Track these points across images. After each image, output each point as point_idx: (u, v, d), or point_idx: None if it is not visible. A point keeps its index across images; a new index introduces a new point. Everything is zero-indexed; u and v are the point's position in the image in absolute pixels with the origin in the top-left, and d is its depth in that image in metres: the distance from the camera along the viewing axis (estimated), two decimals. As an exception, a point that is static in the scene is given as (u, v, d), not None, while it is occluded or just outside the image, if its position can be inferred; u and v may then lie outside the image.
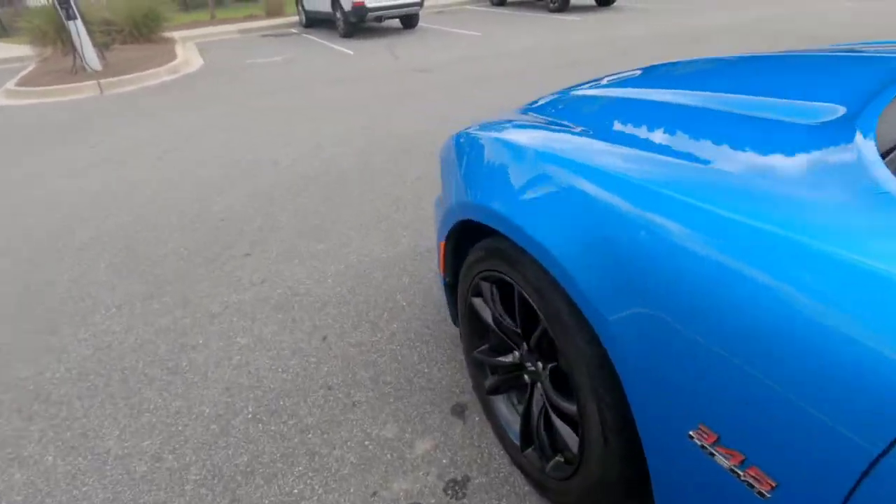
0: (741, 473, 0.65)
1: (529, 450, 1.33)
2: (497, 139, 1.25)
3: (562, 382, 1.19)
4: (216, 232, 2.87)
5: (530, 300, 1.09)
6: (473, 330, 1.52)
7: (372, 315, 2.06)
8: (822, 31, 6.79)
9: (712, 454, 0.69)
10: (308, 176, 3.55)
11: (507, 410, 1.45)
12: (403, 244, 2.59)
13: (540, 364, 1.22)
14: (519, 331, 1.27)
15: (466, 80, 5.79)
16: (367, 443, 1.50)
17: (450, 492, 1.34)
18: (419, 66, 6.75)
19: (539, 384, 1.25)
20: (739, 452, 0.65)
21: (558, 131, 1.19)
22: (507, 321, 1.30)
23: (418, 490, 1.35)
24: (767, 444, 0.61)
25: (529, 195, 1.03)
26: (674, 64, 1.72)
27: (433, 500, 1.32)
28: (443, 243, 1.47)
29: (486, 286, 1.33)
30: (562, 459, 1.22)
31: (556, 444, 1.27)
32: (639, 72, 1.70)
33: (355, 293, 2.22)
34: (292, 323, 2.06)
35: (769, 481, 0.62)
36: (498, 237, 1.19)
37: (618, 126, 1.19)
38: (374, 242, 2.63)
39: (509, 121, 1.39)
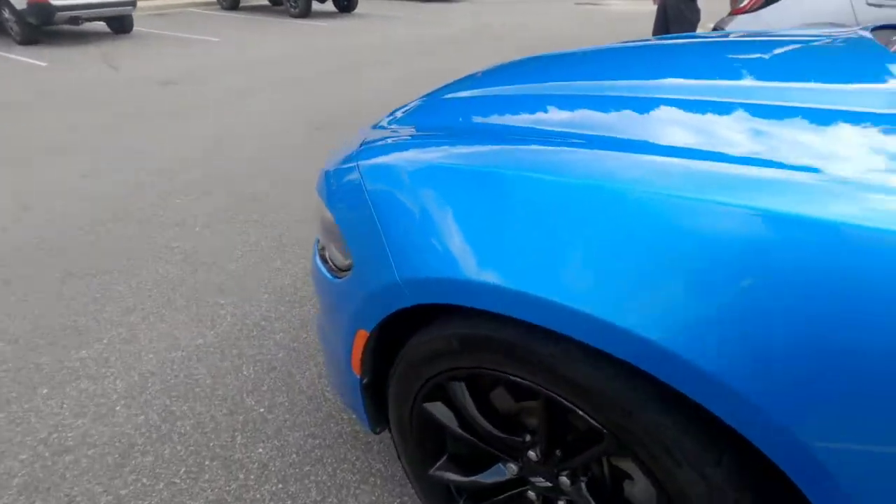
0: None
1: None
2: (468, 169, 0.79)
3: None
4: None
5: (580, 410, 0.72)
6: (425, 442, 1.06)
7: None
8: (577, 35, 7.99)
9: None
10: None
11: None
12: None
13: (565, 479, 0.87)
14: (526, 439, 0.89)
15: (231, 92, 4.88)
16: None
17: None
18: (159, 78, 5.43)
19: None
20: None
21: (538, 142, 0.82)
22: (495, 431, 0.91)
23: None
24: None
25: (567, 255, 0.65)
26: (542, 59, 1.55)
27: None
28: (362, 335, 0.96)
29: (457, 387, 0.90)
30: None
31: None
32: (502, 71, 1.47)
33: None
34: None
35: None
36: (486, 321, 0.78)
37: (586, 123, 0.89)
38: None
39: (419, 139, 0.96)
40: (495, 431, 0.91)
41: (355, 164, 0.92)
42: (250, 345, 1.76)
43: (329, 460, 1.36)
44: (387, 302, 0.84)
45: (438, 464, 1.07)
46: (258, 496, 1.27)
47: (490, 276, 0.70)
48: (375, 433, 1.18)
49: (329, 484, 1.31)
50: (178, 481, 1.31)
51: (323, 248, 1.12)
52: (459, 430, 0.96)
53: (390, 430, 1.11)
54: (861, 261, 0.50)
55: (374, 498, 1.27)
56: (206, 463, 1.36)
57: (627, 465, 0.89)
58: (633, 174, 0.66)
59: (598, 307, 0.61)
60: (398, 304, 0.83)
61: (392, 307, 0.84)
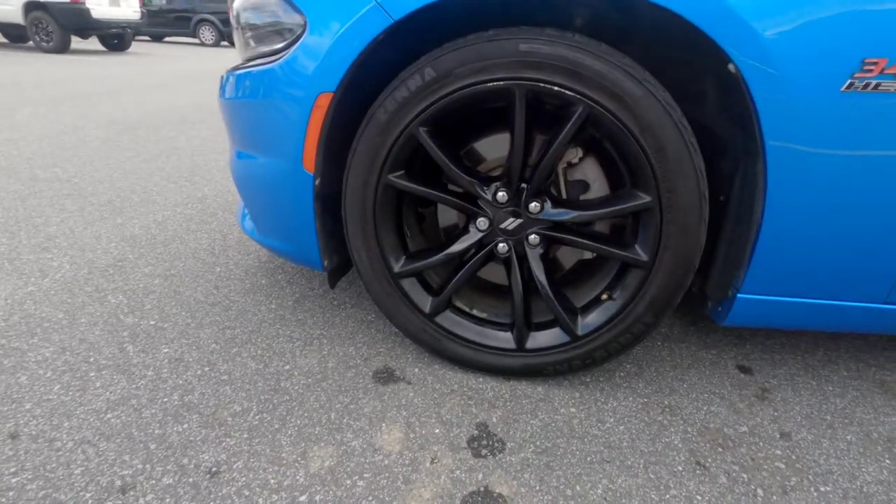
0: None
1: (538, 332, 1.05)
2: None
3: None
4: None
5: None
6: (390, 232, 1.05)
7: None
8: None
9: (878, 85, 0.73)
10: None
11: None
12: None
13: (544, 204, 0.97)
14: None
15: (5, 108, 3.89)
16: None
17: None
18: None
19: (528, 241, 0.99)
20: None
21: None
22: (466, 177, 0.96)
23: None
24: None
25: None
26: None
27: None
28: (322, 103, 0.92)
29: (425, 135, 0.93)
30: (606, 297, 1.02)
31: (569, 303, 1.05)
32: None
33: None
34: None
35: None
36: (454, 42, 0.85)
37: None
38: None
39: None
40: (466, 177, 0.97)
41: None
42: (109, 280, 1.44)
43: (259, 340, 1.20)
44: (362, 33, 0.86)
45: (405, 258, 1.06)
46: (181, 382, 1.05)
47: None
48: (323, 269, 1.11)
49: (269, 353, 1.15)
50: (52, 397, 0.99)
51: (247, 60, 1.05)
52: (426, 190, 0.99)
53: (336, 278, 1.05)
54: None
55: (324, 353, 1.16)
56: (92, 374, 1.06)
57: (584, 173, 1.04)
58: None
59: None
60: (374, 32, 0.85)
61: (367, 37, 0.86)
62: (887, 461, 0.93)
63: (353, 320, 1.30)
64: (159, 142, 3.11)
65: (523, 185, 0.97)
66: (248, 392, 1.03)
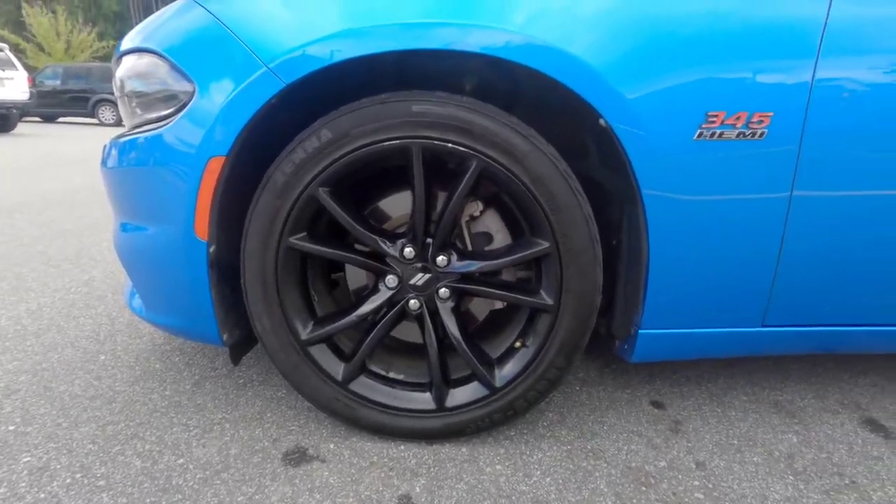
0: (748, 129, 0.84)
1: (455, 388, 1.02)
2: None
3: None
4: None
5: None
6: (294, 297, 1.00)
7: None
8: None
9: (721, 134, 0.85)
10: None
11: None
12: None
13: (450, 257, 0.97)
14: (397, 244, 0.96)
15: None
16: None
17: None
18: None
19: (438, 296, 0.99)
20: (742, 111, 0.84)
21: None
22: (372, 234, 0.96)
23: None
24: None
25: None
26: None
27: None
28: (214, 167, 0.88)
29: (327, 196, 0.91)
30: (519, 344, 1.02)
31: (485, 356, 1.04)
32: None
33: None
34: None
35: (766, 114, 0.84)
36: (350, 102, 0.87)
37: None
38: None
39: None
40: (371, 235, 0.97)
41: (191, 1, 0.93)
42: (-39, 382, 1.22)
43: (147, 433, 1.06)
44: (254, 97, 0.85)
45: (313, 324, 1.01)
46: (43, 496, 0.88)
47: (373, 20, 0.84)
48: (223, 344, 1.02)
49: (160, 447, 1.01)
50: None
51: (133, 128, 1.00)
52: (330, 251, 0.97)
53: (240, 344, 0.98)
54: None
55: (226, 439, 1.05)
56: (-77, 500, 0.86)
57: (486, 225, 1.07)
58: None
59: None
60: (265, 96, 0.85)
61: (259, 101, 0.85)
62: (790, 477, 0.98)
63: (260, 399, 1.19)
64: (42, 225, 2.83)
65: (429, 240, 0.98)
66: (129, 497, 0.88)
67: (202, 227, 0.93)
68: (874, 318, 1.04)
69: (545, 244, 0.93)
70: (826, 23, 0.84)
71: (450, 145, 0.89)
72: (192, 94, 0.89)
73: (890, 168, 0.90)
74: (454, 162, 0.93)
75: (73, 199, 3.56)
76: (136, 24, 1.04)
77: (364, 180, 1.05)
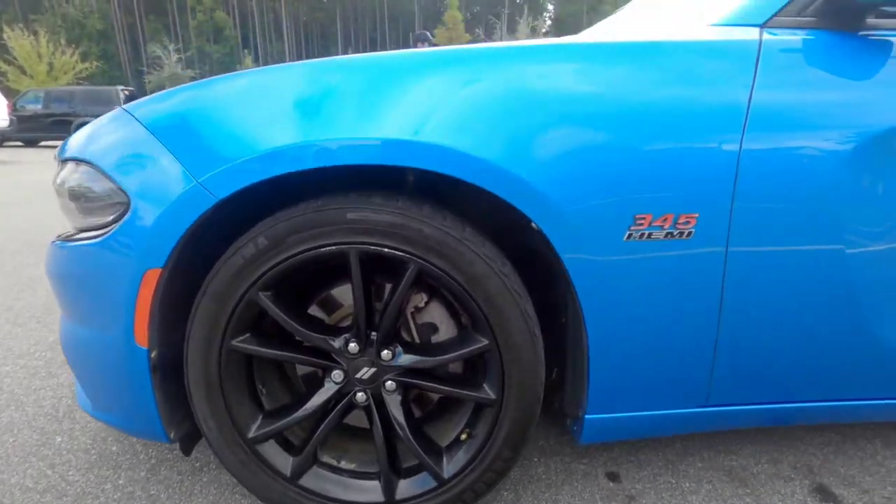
0: (676, 229, 0.87)
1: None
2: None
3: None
4: None
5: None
6: (241, 398, 0.99)
7: None
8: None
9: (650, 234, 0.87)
10: None
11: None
12: None
13: (395, 351, 0.98)
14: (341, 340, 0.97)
15: None
16: None
17: None
18: None
19: (385, 388, 1.00)
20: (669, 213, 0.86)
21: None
22: (314, 334, 0.96)
23: None
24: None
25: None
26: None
27: None
28: (151, 278, 0.88)
29: (268, 298, 0.92)
30: (465, 436, 1.02)
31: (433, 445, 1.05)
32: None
33: None
34: None
35: (692, 215, 0.87)
36: (286, 208, 0.88)
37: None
38: None
39: None
40: (314, 334, 0.97)
41: (124, 113, 0.93)
42: None
43: (97, 532, 1.04)
44: (186, 213, 0.86)
45: (261, 419, 1.01)
46: None
47: (300, 136, 0.85)
48: (170, 441, 1.02)
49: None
50: None
51: (74, 232, 1.00)
52: (273, 352, 0.97)
53: (183, 442, 0.97)
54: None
55: (177, 537, 1.04)
56: None
57: (431, 315, 1.08)
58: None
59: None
60: (198, 211, 0.86)
61: (192, 217, 0.86)
62: (738, 560, 0.99)
63: (215, 485, 1.19)
64: (11, 273, 2.80)
65: (374, 334, 0.99)
66: None
67: (142, 334, 0.93)
68: (810, 395, 1.06)
69: (484, 341, 0.94)
70: (744, 130, 0.87)
71: (386, 250, 0.90)
72: (128, 205, 0.90)
73: (812, 260, 0.92)
74: (393, 263, 0.94)
75: (46, 240, 3.52)
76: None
77: (312, 273, 1.06)
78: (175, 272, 0.92)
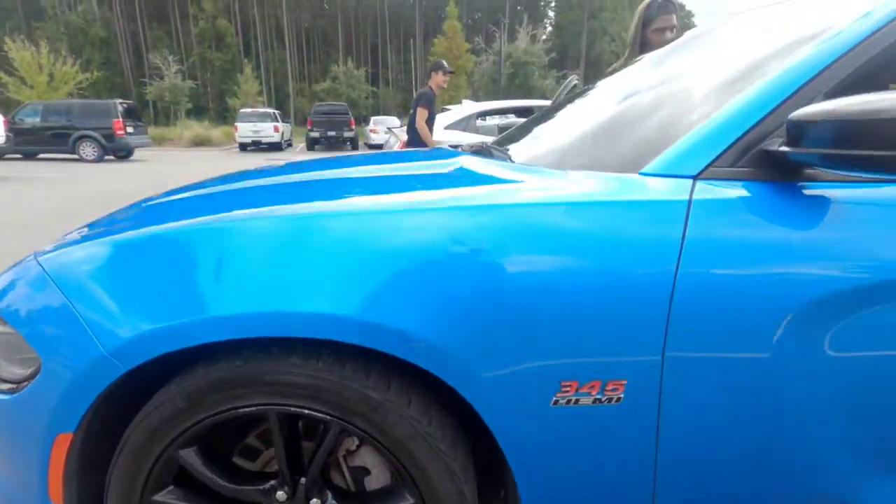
0: (604, 396, 0.84)
1: None
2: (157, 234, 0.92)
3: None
4: None
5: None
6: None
7: None
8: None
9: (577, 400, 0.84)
10: None
11: None
12: None
13: (325, 498, 0.95)
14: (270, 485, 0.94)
15: None
16: None
17: None
18: None
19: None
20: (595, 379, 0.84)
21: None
22: (238, 487, 0.93)
23: None
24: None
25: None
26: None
27: None
28: (63, 441, 0.86)
29: (189, 455, 0.89)
30: None
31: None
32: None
33: None
34: None
35: (620, 382, 0.84)
36: (204, 366, 0.86)
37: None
38: None
39: (91, 235, 1.00)
40: (241, 487, 0.95)
41: (34, 262, 0.91)
42: None
43: None
44: (94, 382, 0.83)
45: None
46: None
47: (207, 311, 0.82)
48: None
49: None
50: None
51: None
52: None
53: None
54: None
55: None
56: None
57: (363, 459, 1.05)
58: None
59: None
60: (107, 380, 0.83)
61: (101, 386, 0.83)
62: None
63: None
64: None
65: (302, 481, 0.96)
66: None
67: (56, 492, 0.90)
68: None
69: (411, 500, 0.91)
70: (672, 293, 0.84)
71: (306, 412, 0.88)
72: (39, 367, 0.87)
73: (748, 419, 0.89)
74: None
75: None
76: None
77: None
78: (89, 435, 0.89)
